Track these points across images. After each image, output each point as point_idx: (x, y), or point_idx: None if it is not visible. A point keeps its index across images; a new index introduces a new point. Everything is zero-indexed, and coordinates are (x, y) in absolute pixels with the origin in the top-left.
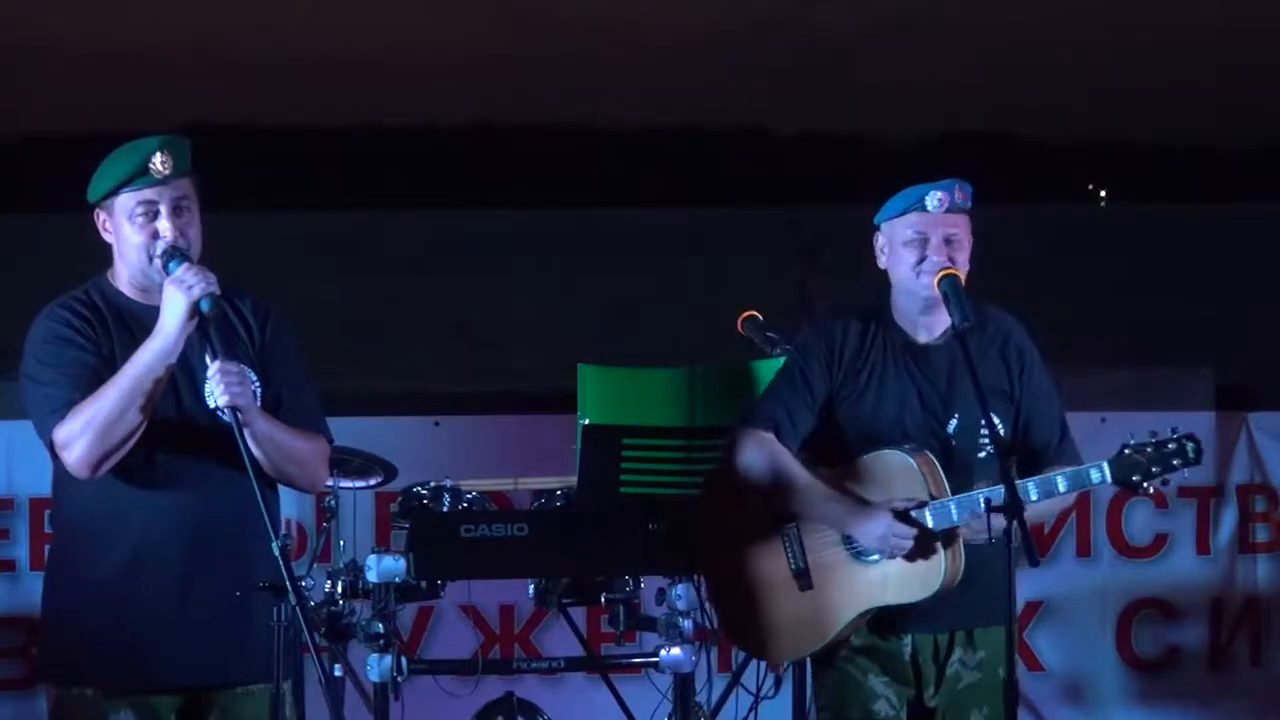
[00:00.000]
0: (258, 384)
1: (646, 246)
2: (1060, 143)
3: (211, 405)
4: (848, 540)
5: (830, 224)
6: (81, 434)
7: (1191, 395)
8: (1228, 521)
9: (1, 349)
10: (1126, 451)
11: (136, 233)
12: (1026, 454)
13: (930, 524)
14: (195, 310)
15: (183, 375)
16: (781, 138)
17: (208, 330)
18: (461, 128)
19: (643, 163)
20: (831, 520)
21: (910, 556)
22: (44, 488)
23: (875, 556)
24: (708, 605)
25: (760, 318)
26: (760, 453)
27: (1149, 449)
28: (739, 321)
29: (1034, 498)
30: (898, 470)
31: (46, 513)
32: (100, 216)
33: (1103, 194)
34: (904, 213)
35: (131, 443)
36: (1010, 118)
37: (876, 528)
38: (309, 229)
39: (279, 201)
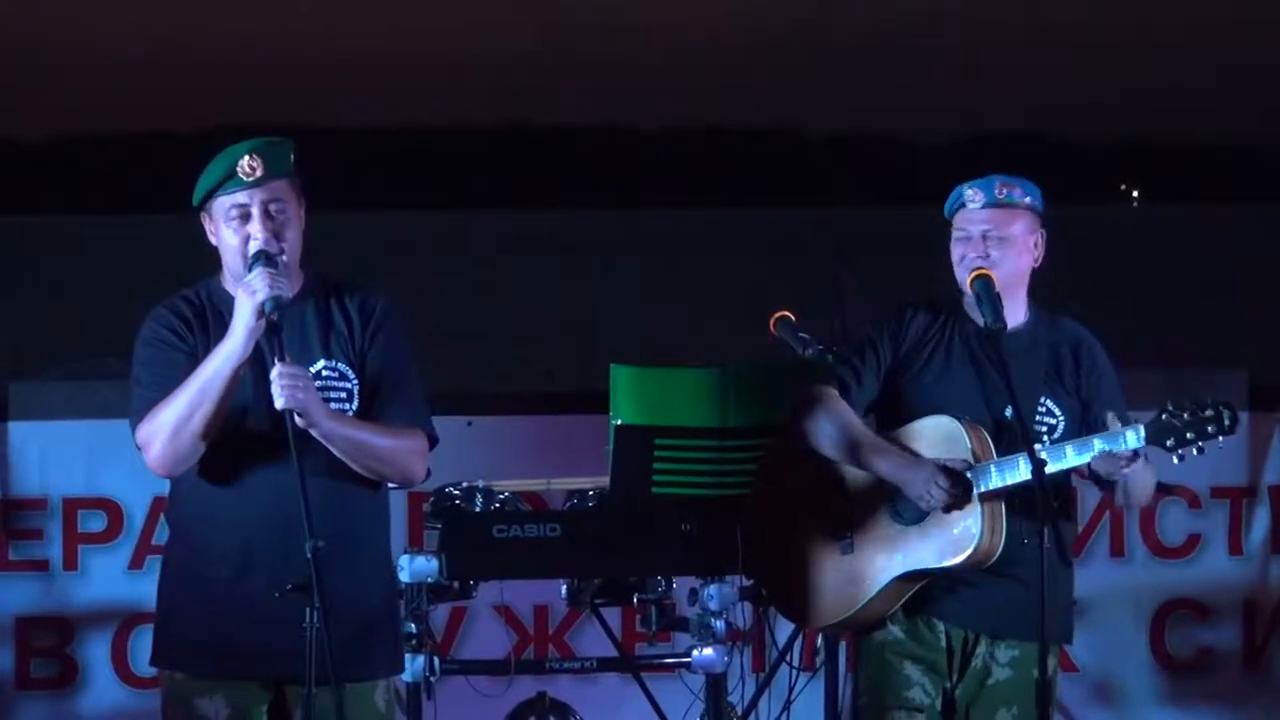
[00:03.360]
0: (355, 382)
1: (678, 247)
2: (1092, 143)
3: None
4: (892, 504)
5: (861, 224)
6: (155, 435)
7: (1224, 396)
8: (1260, 522)
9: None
10: (1164, 416)
11: (232, 235)
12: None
13: (973, 488)
14: (261, 313)
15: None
16: (812, 138)
17: (281, 334)
18: (494, 128)
19: (671, 163)
20: (881, 469)
21: (947, 521)
22: (76, 488)
23: (915, 521)
24: (745, 609)
25: (793, 318)
26: (821, 405)
27: (1186, 414)
28: (771, 322)
29: (1069, 455)
30: (944, 434)
31: (79, 513)
32: (205, 221)
33: (1135, 194)
34: (953, 211)
35: (204, 443)
36: (1042, 118)
37: (920, 475)
38: (339, 229)
39: (310, 202)
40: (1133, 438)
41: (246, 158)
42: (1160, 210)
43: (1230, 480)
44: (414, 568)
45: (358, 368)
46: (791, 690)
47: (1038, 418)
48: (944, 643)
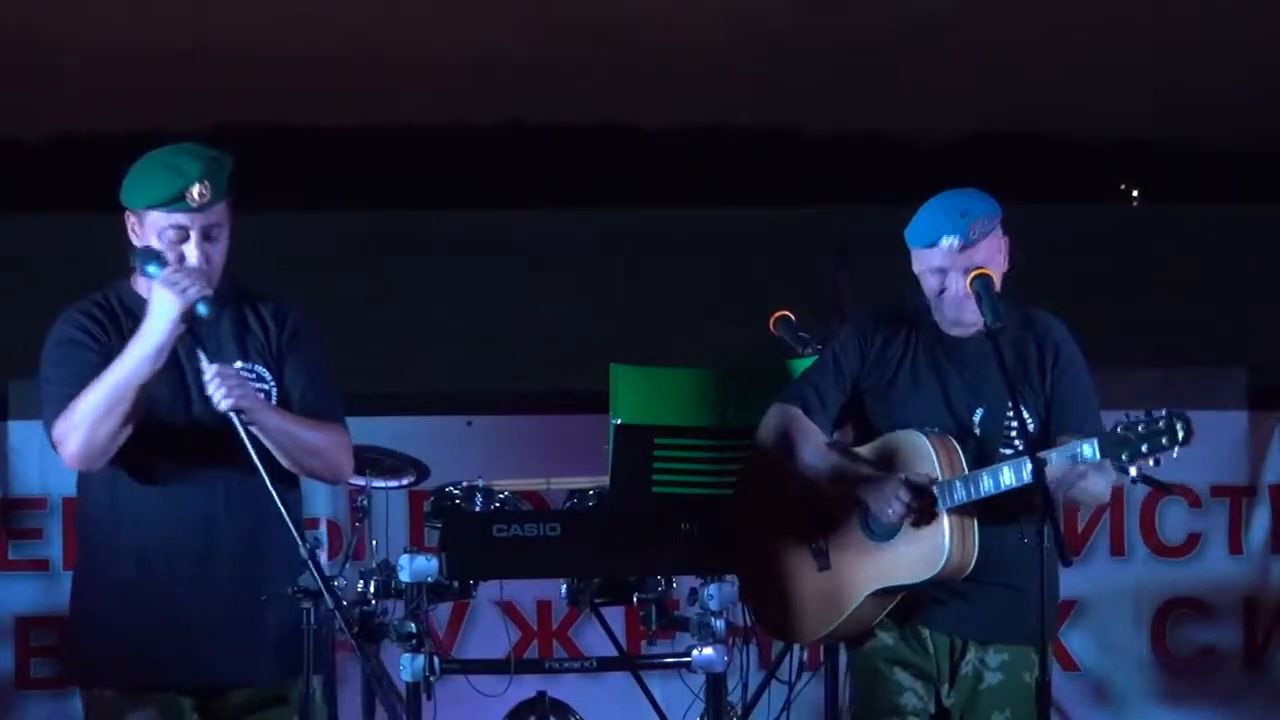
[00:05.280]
0: (272, 384)
1: (678, 247)
2: (1091, 142)
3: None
4: (864, 521)
5: (861, 224)
6: (72, 430)
7: (1224, 395)
8: (1260, 521)
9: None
10: (1118, 429)
11: (163, 250)
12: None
13: (938, 502)
14: (189, 313)
15: (194, 376)
16: (812, 138)
17: (199, 333)
18: (495, 127)
19: (673, 163)
20: (845, 485)
21: (917, 536)
22: (75, 487)
23: (886, 536)
24: (739, 598)
25: (793, 318)
26: (784, 425)
27: (1139, 427)
28: (771, 321)
29: (1026, 472)
30: (911, 448)
31: None
32: (131, 220)
33: (1134, 194)
34: (919, 246)
35: (120, 440)
36: (1041, 117)
37: (883, 490)
38: (341, 229)
39: (310, 201)
40: (1089, 451)
41: (198, 185)
42: (1160, 210)
43: (1230, 479)
44: (414, 567)
45: (274, 370)
46: (791, 690)
47: (1006, 422)
48: (931, 649)
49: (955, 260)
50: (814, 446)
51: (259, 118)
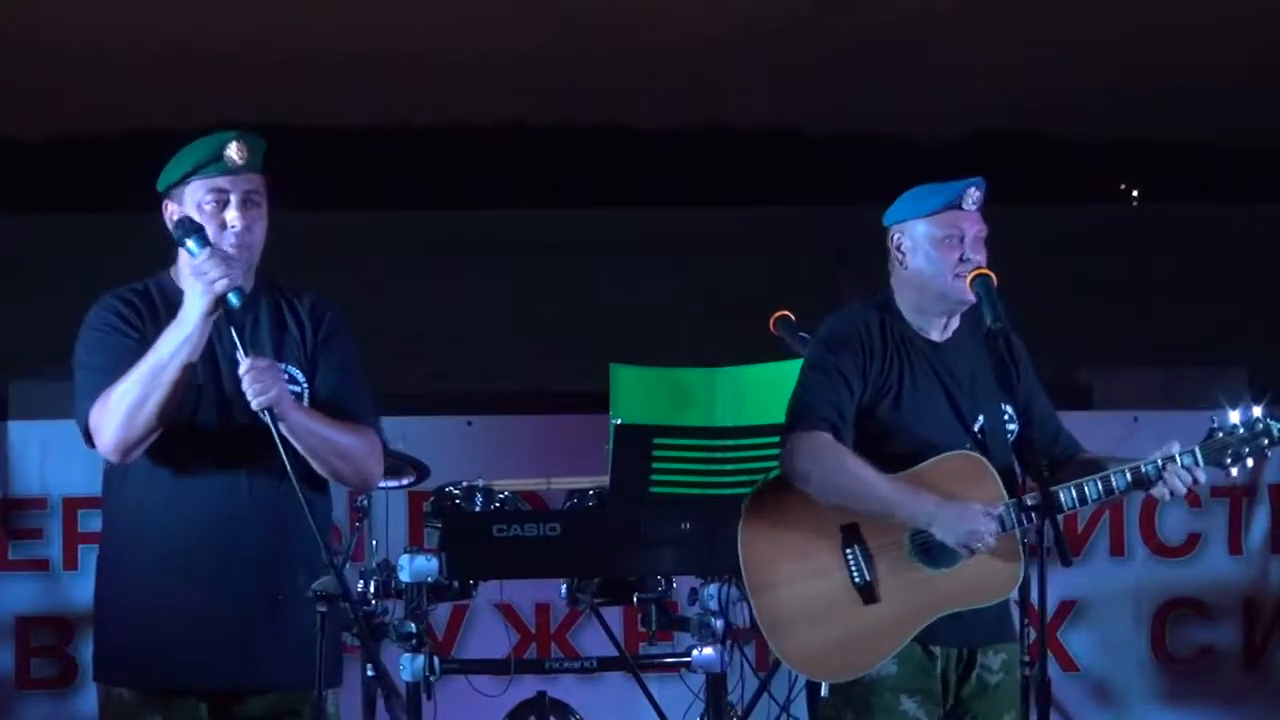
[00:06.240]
0: (305, 385)
1: (678, 247)
2: (1092, 142)
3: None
4: (916, 547)
5: (861, 224)
6: (108, 419)
7: (1223, 392)
8: (1260, 521)
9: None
10: (1218, 435)
11: (205, 222)
12: (1040, 444)
13: (1011, 523)
14: (219, 303)
15: (228, 370)
16: (812, 138)
17: (234, 325)
18: (495, 127)
19: (671, 163)
20: (913, 515)
21: (987, 557)
22: (76, 487)
23: (951, 563)
24: (745, 609)
25: (793, 318)
26: (823, 454)
27: (1240, 430)
28: (771, 321)
29: (1129, 480)
30: (975, 469)
31: (79, 512)
32: (169, 207)
33: (1134, 194)
34: (938, 211)
35: (156, 430)
36: (1042, 117)
37: (966, 522)
38: (341, 228)
39: (310, 201)
40: (1189, 462)
41: (235, 144)
42: (1160, 210)
43: (1230, 479)
44: (414, 567)
45: (307, 372)
46: (790, 690)
47: (1005, 424)
48: (939, 668)
49: (976, 221)
50: (868, 473)
51: (259, 118)
